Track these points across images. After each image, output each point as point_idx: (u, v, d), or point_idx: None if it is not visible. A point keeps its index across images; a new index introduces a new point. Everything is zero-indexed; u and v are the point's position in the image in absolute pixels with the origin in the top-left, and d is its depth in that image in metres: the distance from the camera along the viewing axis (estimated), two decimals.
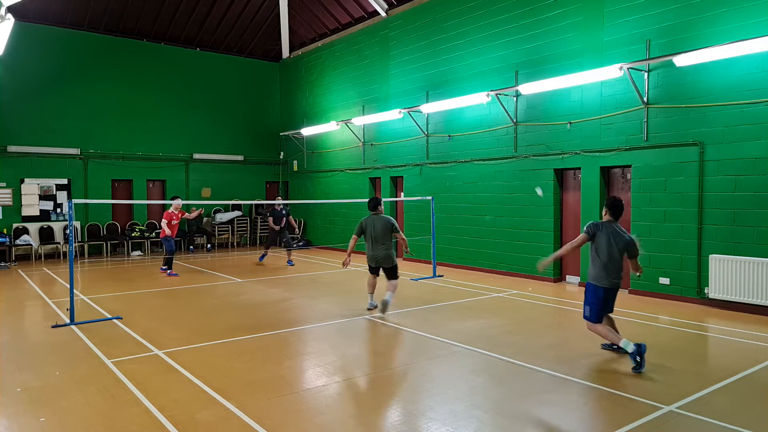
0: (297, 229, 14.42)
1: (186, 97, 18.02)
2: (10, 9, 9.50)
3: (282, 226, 13.95)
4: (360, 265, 12.33)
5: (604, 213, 6.14)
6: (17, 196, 15.21)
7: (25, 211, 15.28)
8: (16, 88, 15.09)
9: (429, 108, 12.99)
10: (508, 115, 11.47)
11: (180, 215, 12.25)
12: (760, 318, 7.84)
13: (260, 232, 18.92)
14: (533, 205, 11.18)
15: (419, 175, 13.98)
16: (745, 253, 8.19)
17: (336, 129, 16.47)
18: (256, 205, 18.79)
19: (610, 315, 6.20)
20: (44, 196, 15.58)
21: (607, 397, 4.89)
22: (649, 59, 9.03)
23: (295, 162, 19.26)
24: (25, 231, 15.10)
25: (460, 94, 12.25)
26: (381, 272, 8.37)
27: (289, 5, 18.14)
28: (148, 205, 17.26)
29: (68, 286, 8.28)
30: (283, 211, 14.01)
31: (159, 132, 17.49)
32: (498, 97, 11.47)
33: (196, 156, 18.13)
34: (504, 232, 11.80)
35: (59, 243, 15.51)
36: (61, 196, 15.78)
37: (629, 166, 9.78)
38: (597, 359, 5.95)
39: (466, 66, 12.53)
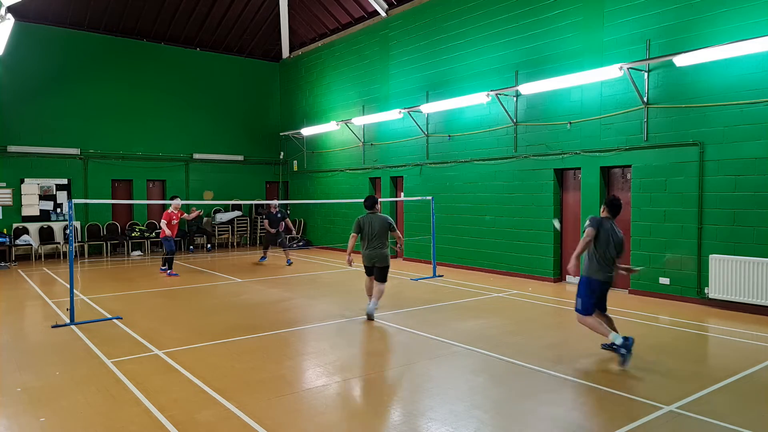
0: (293, 231, 14.38)
1: (186, 97, 18.02)
2: (10, 9, 9.50)
3: (279, 229, 13.93)
4: (361, 264, 12.31)
5: (602, 210, 6.18)
6: (17, 196, 15.21)
7: (25, 211, 15.29)
8: (16, 88, 15.09)
9: (429, 108, 12.99)
10: (508, 115, 11.47)
11: (179, 215, 12.24)
12: (760, 318, 7.84)
13: (260, 232, 18.91)
14: (533, 205, 11.19)
15: (419, 175, 13.98)
16: (745, 253, 8.19)
17: (336, 129, 16.47)
18: (256, 205, 18.78)
19: (608, 315, 6.21)
20: (44, 196, 15.58)
21: (607, 397, 4.89)
22: (649, 59, 9.03)
23: (295, 162, 19.26)
24: (25, 231, 15.11)
25: (460, 94, 12.25)
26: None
27: (289, 5, 18.14)
28: (148, 205, 17.26)
29: (68, 286, 8.28)
30: (279, 215, 13.98)
31: (159, 132, 17.49)
32: (498, 97, 11.47)
33: (196, 156, 18.13)
34: (504, 232, 11.80)
35: (59, 243, 15.51)
36: (61, 196, 15.78)
37: (629, 166, 9.78)
38: (597, 359, 5.95)
39: (466, 66, 12.53)
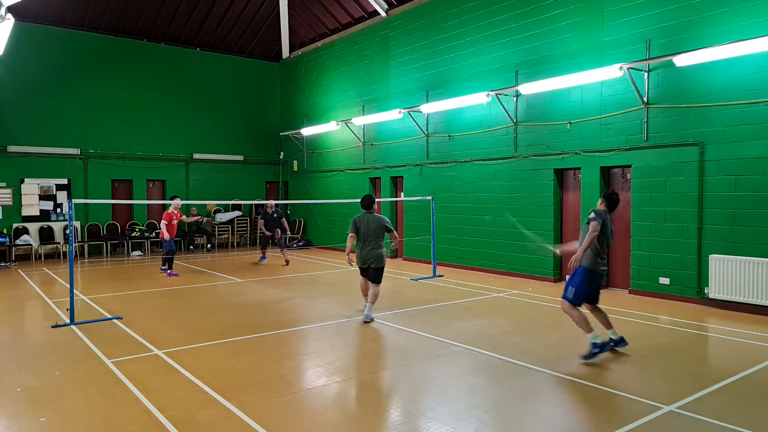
0: (288, 231, 14.38)
1: (186, 97, 18.02)
2: (10, 9, 9.50)
3: (275, 235, 13.91)
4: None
5: (600, 203, 6.20)
6: (17, 196, 15.21)
7: (25, 211, 15.29)
8: (16, 88, 15.09)
9: (429, 108, 12.99)
10: (508, 115, 11.47)
11: (179, 215, 12.23)
12: (760, 318, 7.84)
13: (260, 232, 18.90)
14: (533, 205, 11.19)
15: (419, 175, 13.98)
16: (745, 253, 8.19)
17: (336, 129, 16.47)
18: (256, 205, 18.79)
19: (600, 309, 6.25)
20: (44, 196, 15.58)
21: (607, 397, 4.89)
22: (649, 59, 9.03)
23: (295, 162, 19.26)
24: (25, 231, 15.11)
25: (460, 94, 12.25)
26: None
27: (289, 5, 18.15)
28: (148, 205, 17.27)
29: (68, 286, 8.28)
30: (275, 215, 13.97)
31: (159, 132, 17.49)
32: (498, 97, 11.47)
33: (196, 156, 18.13)
34: (504, 232, 11.80)
35: (59, 243, 15.51)
36: (61, 196, 15.78)
37: (629, 166, 9.78)
38: (597, 359, 5.95)
39: (466, 66, 12.53)
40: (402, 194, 14.66)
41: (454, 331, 7.16)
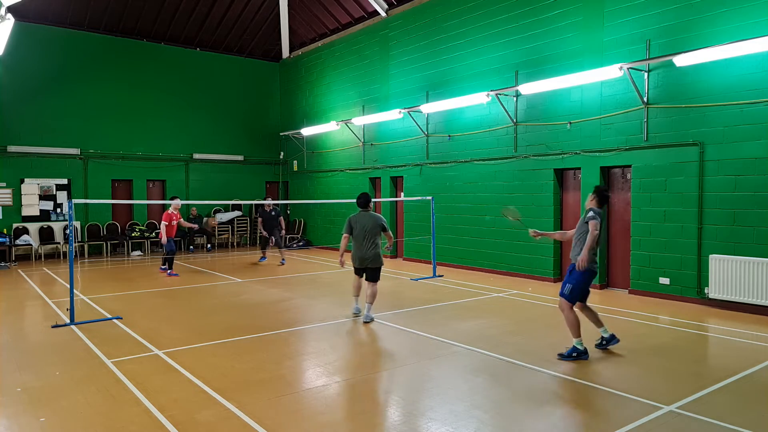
0: (283, 230, 14.39)
1: (186, 97, 18.02)
2: (10, 9, 9.50)
3: (274, 235, 13.93)
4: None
5: (590, 199, 6.15)
6: (17, 196, 15.21)
7: (25, 211, 15.29)
8: (16, 88, 15.09)
9: (429, 108, 12.99)
10: (508, 115, 11.47)
11: (178, 217, 12.21)
12: (760, 318, 7.84)
13: (259, 233, 18.90)
14: (533, 205, 11.19)
15: (419, 175, 13.98)
16: (745, 253, 8.19)
17: (336, 129, 16.47)
18: (256, 205, 18.79)
19: (590, 307, 6.28)
20: (44, 196, 15.58)
21: (607, 397, 4.89)
22: (649, 59, 9.03)
23: (295, 162, 19.26)
24: (25, 231, 15.11)
25: (460, 94, 12.25)
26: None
27: (289, 5, 18.15)
28: (148, 205, 17.26)
29: (68, 286, 8.28)
30: (273, 212, 13.99)
31: (159, 132, 17.49)
32: (498, 97, 11.47)
33: (196, 156, 18.13)
34: (504, 232, 11.80)
35: (59, 243, 15.51)
36: (61, 196, 15.78)
37: (629, 166, 9.78)
38: (596, 359, 5.95)
39: (466, 66, 12.53)
40: (402, 194, 14.66)
41: (454, 331, 7.16)
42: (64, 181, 15.85)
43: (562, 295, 6.09)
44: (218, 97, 18.71)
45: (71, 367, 5.78)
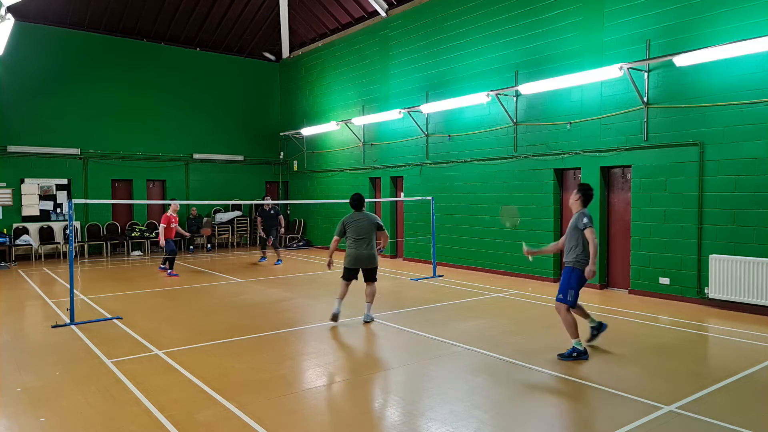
0: (283, 229, 14.41)
1: (186, 97, 18.02)
2: (10, 9, 9.50)
3: (273, 236, 13.93)
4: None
5: (576, 198, 5.99)
6: (17, 196, 15.21)
7: (25, 211, 15.29)
8: (16, 88, 15.09)
9: (429, 108, 12.99)
10: (508, 115, 11.47)
11: (176, 219, 12.21)
12: (760, 318, 7.84)
13: (259, 233, 18.90)
14: (533, 205, 11.19)
15: (419, 175, 13.98)
16: (745, 253, 8.19)
17: (336, 129, 16.47)
18: (256, 205, 18.78)
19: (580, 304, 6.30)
20: (44, 196, 15.58)
21: (607, 397, 4.89)
22: (649, 59, 9.03)
23: (295, 162, 19.26)
24: (25, 231, 15.11)
25: (460, 94, 12.25)
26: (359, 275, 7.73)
27: (289, 5, 18.15)
28: (148, 205, 17.26)
29: (68, 286, 8.28)
30: (272, 211, 13.99)
31: (159, 132, 17.49)
32: (498, 97, 11.47)
33: (196, 156, 18.13)
34: (504, 232, 11.80)
35: (59, 243, 15.51)
36: (61, 196, 15.78)
37: (629, 166, 9.78)
38: (596, 359, 5.95)
39: (466, 66, 12.53)
40: (402, 194, 14.66)
41: (454, 331, 7.16)
42: (64, 181, 15.85)
43: (565, 302, 6.00)
44: (218, 97, 18.71)
45: (71, 367, 5.78)
